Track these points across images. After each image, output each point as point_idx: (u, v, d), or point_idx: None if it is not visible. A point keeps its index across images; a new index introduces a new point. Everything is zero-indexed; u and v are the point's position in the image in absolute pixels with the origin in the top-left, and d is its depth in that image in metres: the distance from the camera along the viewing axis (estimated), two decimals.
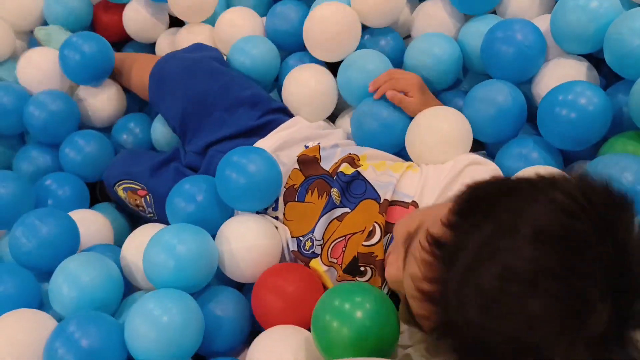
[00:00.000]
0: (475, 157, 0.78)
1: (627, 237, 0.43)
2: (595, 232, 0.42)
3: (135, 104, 1.21)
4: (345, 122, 0.99)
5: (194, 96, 0.93)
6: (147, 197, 0.92)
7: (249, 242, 0.73)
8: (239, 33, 1.06)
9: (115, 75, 1.10)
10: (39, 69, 1.05)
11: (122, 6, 1.20)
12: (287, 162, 0.83)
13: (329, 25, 0.95)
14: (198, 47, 1.03)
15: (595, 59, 0.85)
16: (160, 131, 1.07)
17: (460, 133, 0.80)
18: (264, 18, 1.12)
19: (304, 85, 0.94)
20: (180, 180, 0.81)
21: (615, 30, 0.74)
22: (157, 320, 0.63)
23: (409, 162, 0.82)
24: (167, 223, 0.80)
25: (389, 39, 1.01)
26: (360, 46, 0.99)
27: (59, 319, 0.68)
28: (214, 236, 0.75)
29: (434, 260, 0.49)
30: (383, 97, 0.87)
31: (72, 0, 1.18)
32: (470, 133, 0.81)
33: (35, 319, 0.66)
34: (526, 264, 0.42)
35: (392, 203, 0.74)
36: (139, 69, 1.06)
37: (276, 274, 0.72)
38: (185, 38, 1.12)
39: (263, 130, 0.90)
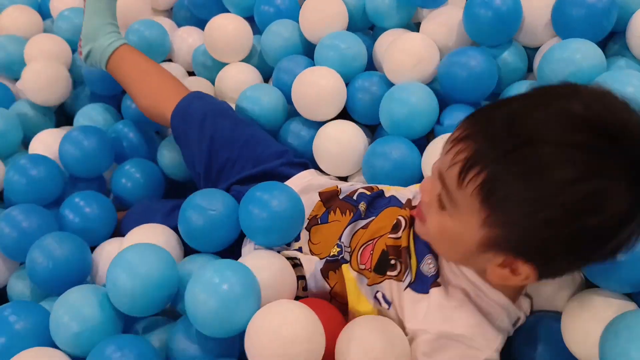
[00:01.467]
0: None
1: None
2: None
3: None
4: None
5: (222, 140, 0.93)
6: None
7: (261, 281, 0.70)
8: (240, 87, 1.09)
9: (117, 75, 1.06)
10: None
11: None
12: (307, 204, 0.82)
13: None
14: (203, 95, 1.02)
15: None
16: (168, 157, 1.08)
17: None
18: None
19: (336, 140, 0.96)
20: None
21: None
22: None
23: None
24: None
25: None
26: None
27: (74, 357, 0.66)
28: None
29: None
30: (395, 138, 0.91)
31: None
32: None
33: (50, 356, 0.64)
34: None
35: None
36: (158, 93, 1.03)
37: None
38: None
39: (285, 177, 0.90)
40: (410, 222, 0.71)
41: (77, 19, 1.25)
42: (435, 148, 0.85)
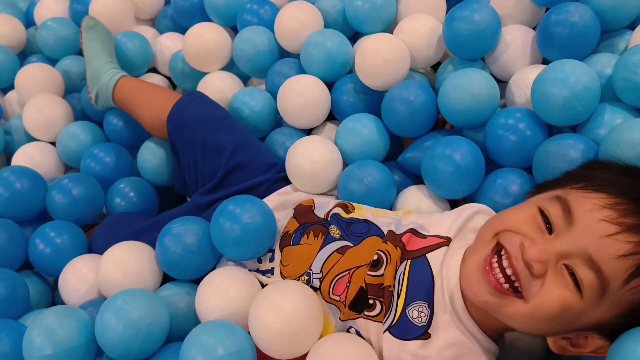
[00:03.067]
0: (480, 206, 0.77)
1: None
2: None
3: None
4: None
5: (212, 146, 0.93)
6: None
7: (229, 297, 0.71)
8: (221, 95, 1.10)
9: (123, 105, 1.09)
10: None
11: None
12: (283, 219, 0.82)
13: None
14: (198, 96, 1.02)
15: None
16: (148, 160, 1.09)
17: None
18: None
19: (309, 158, 0.91)
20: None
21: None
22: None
23: (406, 209, 0.83)
24: None
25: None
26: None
27: None
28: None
29: None
30: (369, 162, 0.89)
31: None
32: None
33: None
34: None
35: (405, 232, 0.71)
36: (155, 104, 1.03)
37: None
38: None
39: (266, 191, 0.90)
40: (394, 258, 0.68)
41: (60, 29, 1.26)
42: None
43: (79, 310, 0.71)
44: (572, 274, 0.54)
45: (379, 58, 0.94)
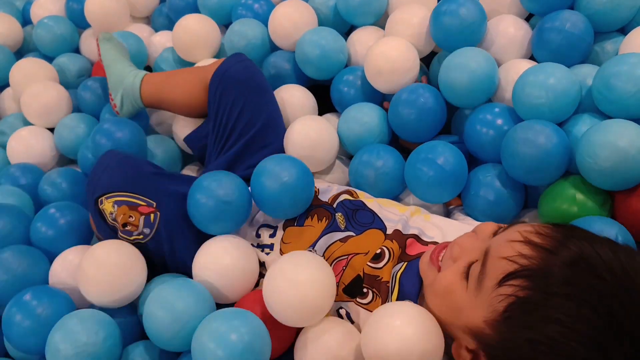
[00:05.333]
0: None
1: None
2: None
3: None
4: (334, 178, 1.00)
5: (248, 115, 0.94)
6: (152, 215, 0.80)
7: (226, 261, 0.74)
8: None
9: (154, 97, 1.06)
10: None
11: None
12: None
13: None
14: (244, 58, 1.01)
15: None
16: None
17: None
18: None
19: (306, 136, 0.94)
20: None
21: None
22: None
23: (414, 207, 0.83)
24: (159, 249, 0.80)
25: None
26: None
27: None
28: None
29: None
30: (381, 147, 0.91)
31: None
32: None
33: None
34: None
35: (410, 236, 0.74)
36: (191, 77, 1.03)
37: (254, 300, 0.72)
38: None
39: None
40: (396, 255, 0.71)
41: (57, 27, 1.27)
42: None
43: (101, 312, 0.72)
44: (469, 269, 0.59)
45: (389, 62, 0.94)
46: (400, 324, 0.59)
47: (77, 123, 1.14)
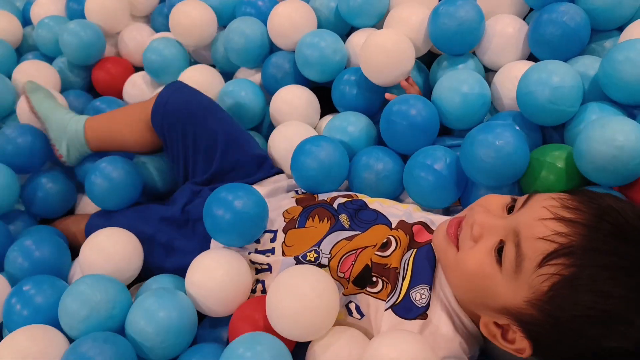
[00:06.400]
0: None
1: None
2: None
3: None
4: None
5: (204, 140, 0.93)
6: None
7: (218, 277, 0.75)
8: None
9: (100, 140, 1.03)
10: None
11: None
12: (276, 206, 0.85)
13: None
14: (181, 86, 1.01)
15: None
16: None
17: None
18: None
19: (290, 140, 0.95)
20: None
21: None
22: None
23: (416, 205, 0.85)
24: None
25: None
26: None
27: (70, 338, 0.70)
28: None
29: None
30: (380, 149, 0.91)
31: None
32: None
33: (47, 336, 0.68)
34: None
35: (416, 223, 0.75)
36: (133, 114, 1.01)
37: (252, 307, 0.74)
38: None
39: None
40: (404, 243, 0.72)
41: (58, 27, 1.28)
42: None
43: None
44: (500, 250, 0.59)
45: (384, 54, 0.93)
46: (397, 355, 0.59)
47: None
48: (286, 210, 0.83)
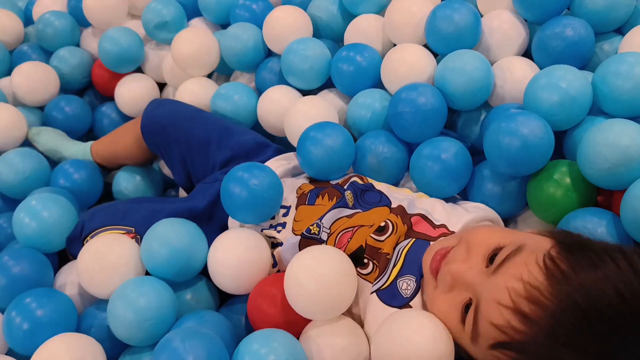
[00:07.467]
0: (492, 213, 0.80)
1: None
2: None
3: None
4: None
5: (197, 140, 0.96)
6: (133, 240, 0.85)
7: (239, 254, 0.77)
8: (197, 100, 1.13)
9: (105, 160, 1.15)
10: None
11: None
12: (291, 185, 0.87)
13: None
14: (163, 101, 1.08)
15: None
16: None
17: None
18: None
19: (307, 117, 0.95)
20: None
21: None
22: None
23: (420, 193, 0.86)
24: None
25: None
26: None
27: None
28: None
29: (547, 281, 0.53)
30: (382, 133, 0.92)
31: None
32: None
33: (82, 343, 0.69)
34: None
35: (416, 214, 0.76)
36: (125, 132, 1.11)
37: (271, 283, 0.75)
38: None
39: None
40: (399, 231, 0.73)
41: (59, 22, 1.30)
42: None
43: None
44: (468, 306, 0.59)
45: (406, 68, 0.94)
46: (409, 333, 0.60)
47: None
48: (299, 186, 0.86)
